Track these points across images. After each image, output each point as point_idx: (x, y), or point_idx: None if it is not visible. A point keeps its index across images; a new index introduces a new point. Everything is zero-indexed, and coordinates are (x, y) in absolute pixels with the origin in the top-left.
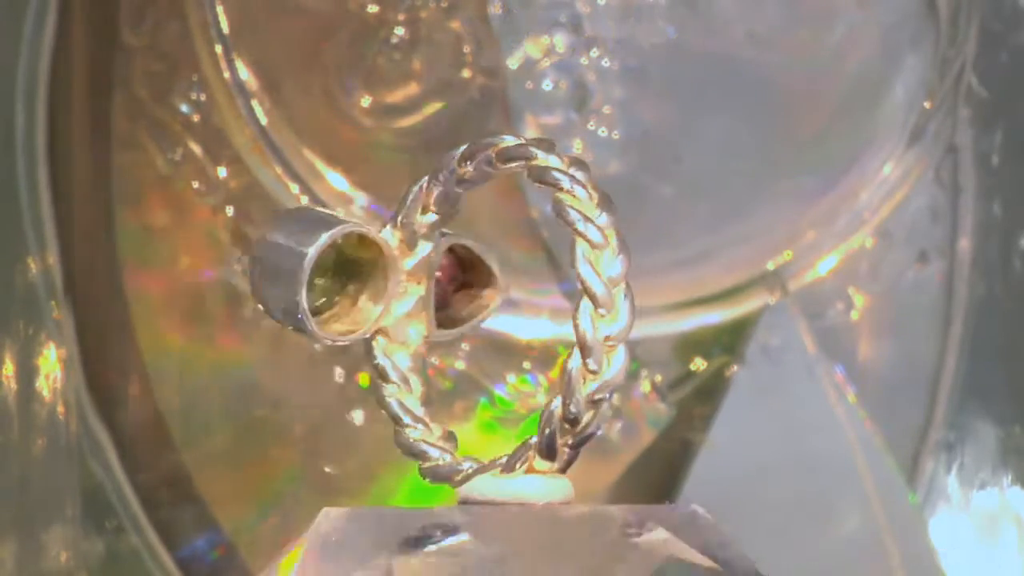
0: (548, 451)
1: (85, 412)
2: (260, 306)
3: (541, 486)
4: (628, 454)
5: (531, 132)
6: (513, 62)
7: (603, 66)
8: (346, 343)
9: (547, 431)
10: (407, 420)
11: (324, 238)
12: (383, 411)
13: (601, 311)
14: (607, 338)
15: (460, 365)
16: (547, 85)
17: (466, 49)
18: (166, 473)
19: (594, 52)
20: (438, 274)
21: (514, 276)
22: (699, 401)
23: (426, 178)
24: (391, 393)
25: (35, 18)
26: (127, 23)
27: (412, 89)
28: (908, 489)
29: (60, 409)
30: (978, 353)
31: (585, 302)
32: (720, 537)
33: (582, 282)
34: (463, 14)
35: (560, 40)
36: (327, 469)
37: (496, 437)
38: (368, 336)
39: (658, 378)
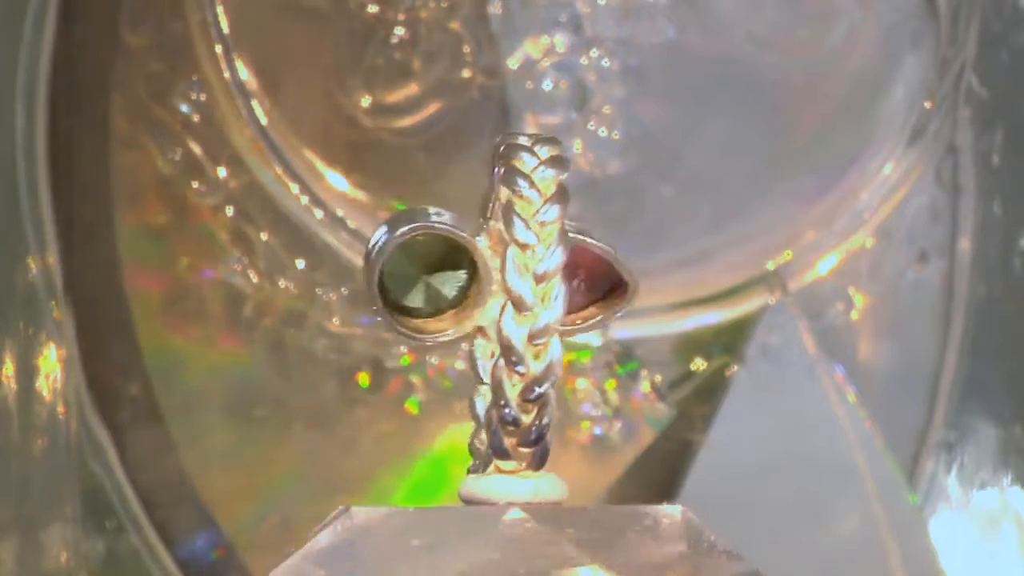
0: (500, 452)
1: (85, 412)
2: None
3: (537, 486)
4: (628, 454)
5: (531, 132)
6: (513, 62)
7: (603, 66)
8: (445, 341)
9: (492, 434)
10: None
11: (400, 232)
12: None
13: (525, 312)
14: (531, 336)
15: (460, 365)
16: (547, 85)
17: (466, 49)
18: (166, 473)
19: (594, 52)
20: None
21: None
22: (699, 401)
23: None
24: (482, 394)
25: (35, 18)
26: (127, 23)
27: (412, 89)
28: (908, 489)
29: (60, 409)
30: (978, 353)
31: (506, 303)
32: (717, 538)
33: (503, 285)
34: (463, 14)
35: (560, 40)
36: (327, 469)
37: None
38: (467, 336)
39: (658, 378)
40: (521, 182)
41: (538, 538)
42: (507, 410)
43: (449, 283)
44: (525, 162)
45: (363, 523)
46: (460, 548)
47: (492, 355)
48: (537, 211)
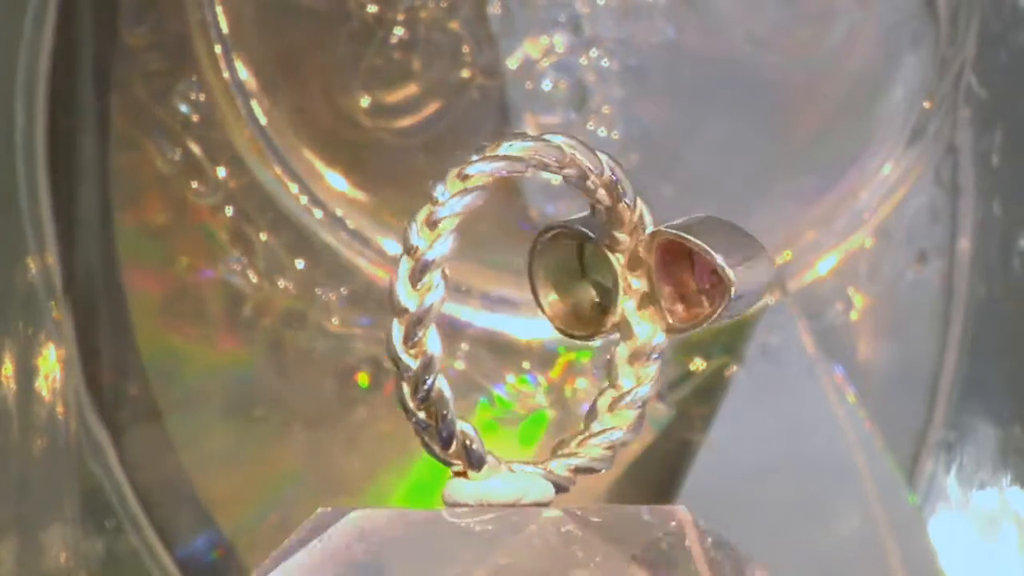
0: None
1: (85, 412)
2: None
3: (522, 486)
4: (628, 454)
5: (531, 132)
6: (512, 62)
7: (603, 66)
8: (592, 343)
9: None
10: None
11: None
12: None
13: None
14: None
15: (459, 365)
16: (547, 85)
17: (465, 49)
18: (165, 473)
19: (594, 52)
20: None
21: (514, 276)
22: (699, 401)
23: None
24: (603, 395)
25: (35, 18)
26: (127, 23)
27: (411, 89)
28: (908, 489)
29: (60, 409)
30: (978, 353)
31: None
32: (715, 538)
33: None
34: (462, 14)
35: (560, 40)
36: (327, 469)
37: (496, 437)
38: (605, 335)
39: None
40: (437, 186)
41: (529, 538)
42: (410, 416)
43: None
44: (464, 162)
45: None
46: (438, 551)
47: (628, 351)
48: (437, 209)
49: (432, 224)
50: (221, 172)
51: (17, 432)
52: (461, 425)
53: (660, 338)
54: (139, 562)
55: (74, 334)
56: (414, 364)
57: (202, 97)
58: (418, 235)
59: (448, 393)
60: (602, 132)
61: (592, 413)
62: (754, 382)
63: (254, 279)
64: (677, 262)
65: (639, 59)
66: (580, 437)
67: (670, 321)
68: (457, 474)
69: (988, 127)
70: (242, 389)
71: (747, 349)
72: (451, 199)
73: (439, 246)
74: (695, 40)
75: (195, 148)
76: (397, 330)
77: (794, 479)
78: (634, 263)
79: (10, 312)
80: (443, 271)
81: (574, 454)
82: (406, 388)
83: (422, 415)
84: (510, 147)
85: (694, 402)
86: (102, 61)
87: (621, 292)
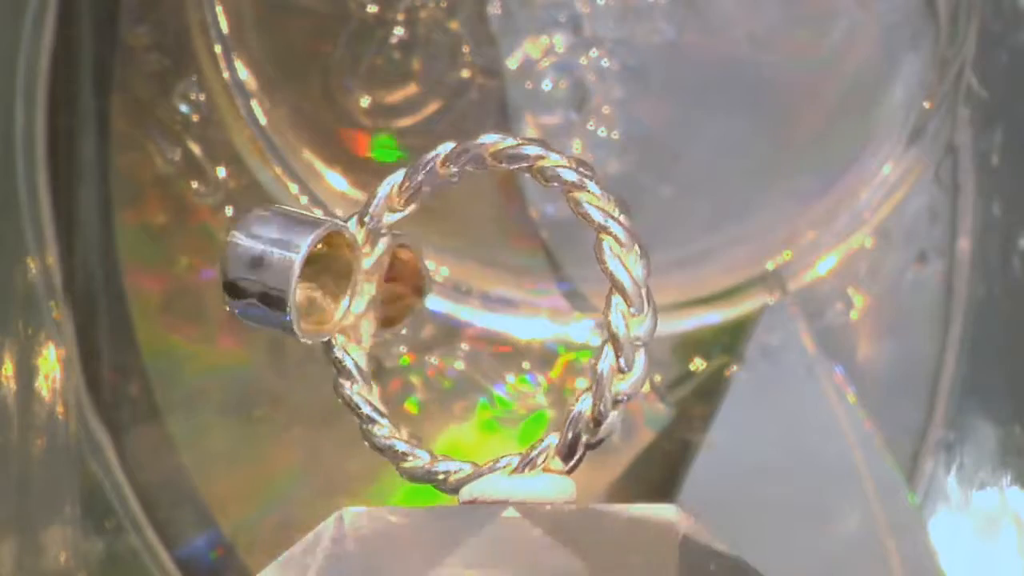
0: (570, 452)
1: (84, 412)
2: (227, 296)
3: (547, 485)
4: (627, 454)
5: (531, 132)
6: (512, 62)
7: (603, 66)
8: (310, 341)
9: (572, 432)
10: (375, 417)
11: (312, 238)
12: (350, 410)
13: (632, 310)
14: (636, 338)
15: (459, 365)
16: (547, 85)
17: (465, 49)
18: (166, 473)
19: (594, 52)
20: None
21: (514, 276)
22: (699, 401)
23: (400, 175)
24: (356, 391)
25: (35, 18)
26: (127, 23)
27: (411, 89)
28: (908, 489)
29: (60, 409)
30: (978, 353)
31: (616, 299)
32: (715, 538)
33: (613, 278)
34: (462, 14)
35: (560, 40)
36: (327, 469)
37: (496, 437)
38: (321, 334)
39: (658, 378)
40: (586, 181)
41: (529, 538)
42: (602, 407)
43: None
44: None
45: (354, 525)
46: (452, 548)
47: (347, 352)
48: (614, 214)
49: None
50: (221, 172)
51: (17, 432)
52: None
53: (368, 340)
54: (139, 562)
55: (74, 334)
56: (637, 371)
57: (202, 97)
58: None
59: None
60: (602, 132)
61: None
62: (754, 382)
63: None
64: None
65: (639, 59)
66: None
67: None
68: (548, 470)
69: (988, 127)
70: (242, 389)
71: (747, 349)
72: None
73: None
74: (695, 40)
75: (195, 148)
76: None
77: (794, 479)
78: (374, 267)
79: (10, 312)
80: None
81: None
82: (615, 385)
83: (606, 412)
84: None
85: (694, 402)
86: (102, 61)
87: (356, 293)
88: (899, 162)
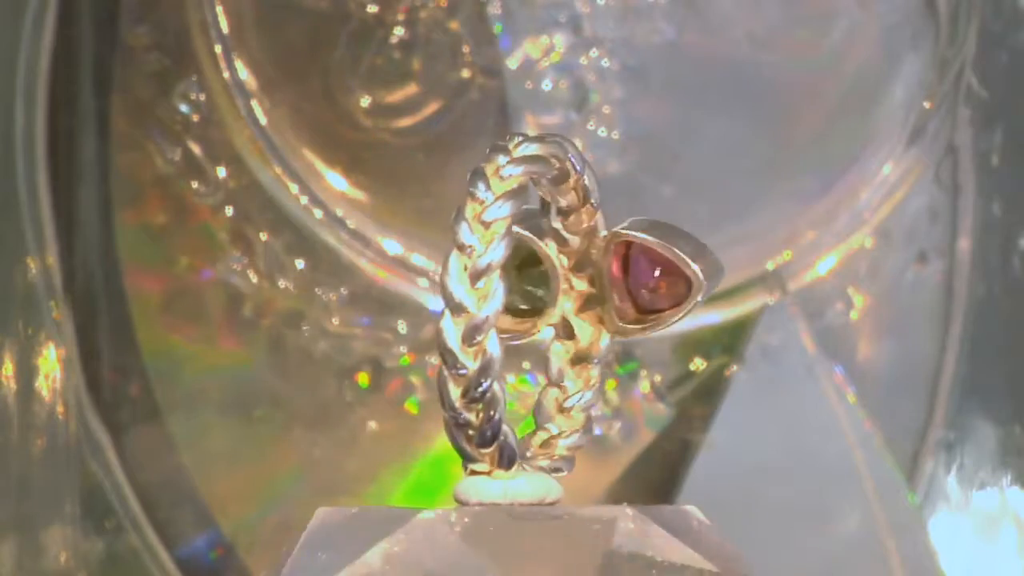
0: (462, 454)
1: (84, 412)
2: None
3: (533, 485)
4: (627, 454)
5: (531, 132)
6: (513, 62)
7: (603, 66)
8: (517, 343)
9: (450, 437)
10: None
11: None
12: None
13: (460, 315)
14: (465, 336)
15: None
16: (547, 85)
17: (465, 49)
18: (165, 473)
19: (594, 52)
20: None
21: None
22: (699, 401)
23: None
24: (546, 394)
25: (35, 18)
26: (127, 23)
27: (411, 89)
28: (908, 489)
29: (60, 409)
30: (978, 353)
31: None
32: (716, 538)
33: (442, 291)
34: (462, 14)
35: (560, 40)
36: (327, 469)
37: None
38: (535, 334)
39: (658, 378)
40: (479, 184)
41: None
42: (452, 412)
43: (535, 283)
44: (494, 161)
45: (334, 523)
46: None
47: (567, 353)
48: (485, 209)
49: (485, 224)
50: (221, 172)
51: (17, 432)
52: (505, 426)
53: (605, 341)
54: (139, 562)
55: (74, 334)
56: (472, 364)
57: (202, 97)
58: (471, 233)
59: (502, 395)
60: (602, 132)
61: (541, 412)
62: (754, 382)
63: (254, 279)
64: (630, 265)
65: (639, 59)
66: (542, 438)
67: (619, 324)
68: (475, 472)
69: (988, 127)
70: (242, 389)
71: (747, 349)
72: (499, 200)
73: (497, 248)
74: (695, 40)
75: (195, 148)
76: (452, 328)
77: (794, 479)
78: (580, 265)
79: (10, 312)
80: (499, 273)
81: (544, 455)
82: (456, 386)
83: (469, 415)
84: (529, 148)
85: (694, 402)
86: (102, 61)
87: (561, 293)
88: (899, 162)
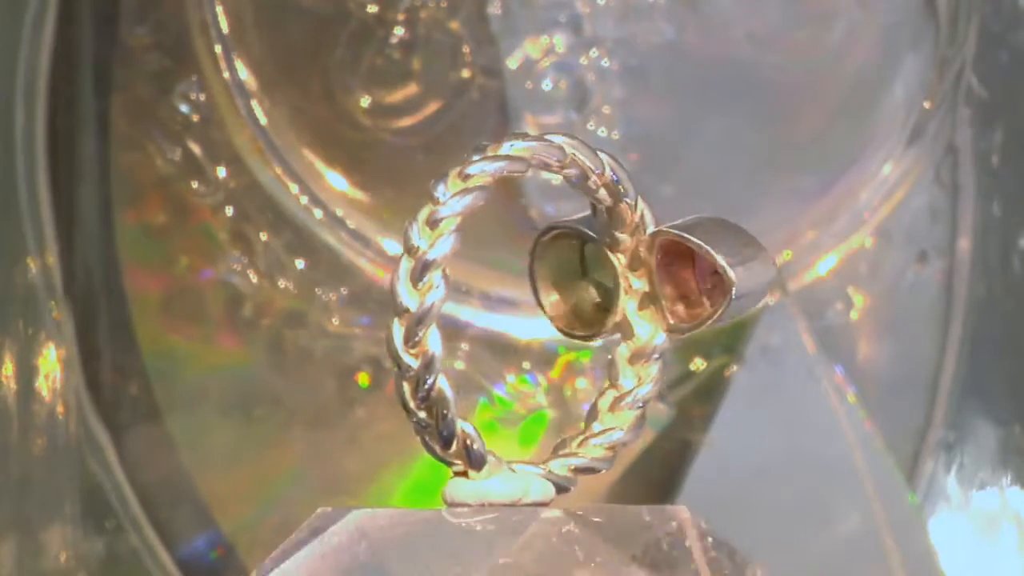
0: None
1: (84, 412)
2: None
3: (509, 486)
4: (627, 454)
5: (531, 132)
6: (513, 62)
7: (603, 66)
8: (593, 344)
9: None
10: (591, 423)
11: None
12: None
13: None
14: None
15: (460, 365)
16: (547, 85)
17: (465, 49)
18: (165, 473)
19: (594, 52)
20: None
21: (514, 276)
22: (699, 401)
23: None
24: (604, 395)
25: (35, 18)
26: (127, 23)
27: (411, 89)
28: (908, 489)
29: (60, 409)
30: (978, 353)
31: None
32: (715, 538)
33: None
34: (462, 14)
35: (560, 40)
36: (327, 469)
37: (496, 437)
38: (606, 336)
39: None
40: (439, 185)
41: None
42: (411, 415)
43: (603, 286)
44: (464, 162)
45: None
46: (439, 551)
47: (628, 352)
48: (437, 209)
49: (433, 224)
50: (221, 172)
51: (17, 432)
52: (462, 425)
53: (661, 338)
54: (139, 562)
55: (74, 334)
56: (415, 364)
57: (202, 97)
58: (419, 235)
59: (449, 393)
60: (602, 132)
61: (593, 413)
62: (754, 382)
63: (254, 279)
64: (678, 262)
65: (639, 59)
66: (581, 437)
67: (671, 321)
68: (458, 474)
69: (988, 127)
70: (242, 389)
71: (747, 349)
72: (452, 198)
73: (440, 245)
74: (695, 40)
75: (195, 148)
76: (398, 330)
77: (794, 479)
78: (635, 263)
79: (10, 312)
80: (444, 271)
81: (575, 454)
82: (407, 387)
83: (423, 415)
84: (511, 147)
85: (694, 402)
86: (102, 61)
87: (622, 292)
88: (899, 162)
